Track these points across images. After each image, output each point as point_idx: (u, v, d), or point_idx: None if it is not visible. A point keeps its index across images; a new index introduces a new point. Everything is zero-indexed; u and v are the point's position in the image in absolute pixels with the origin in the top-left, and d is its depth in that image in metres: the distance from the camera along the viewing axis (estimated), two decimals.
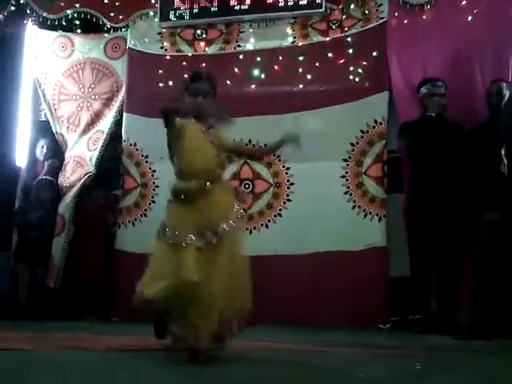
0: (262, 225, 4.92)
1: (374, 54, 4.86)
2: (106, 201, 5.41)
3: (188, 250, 2.35)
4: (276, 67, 5.12)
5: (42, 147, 5.57)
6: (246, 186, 5.01)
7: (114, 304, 4.96)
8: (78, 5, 5.56)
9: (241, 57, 5.23)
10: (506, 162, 3.48)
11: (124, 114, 5.38)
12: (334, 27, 5.09)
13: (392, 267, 4.56)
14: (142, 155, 5.29)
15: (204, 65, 5.07)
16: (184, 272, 2.29)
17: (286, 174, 4.97)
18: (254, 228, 4.88)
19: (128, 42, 5.51)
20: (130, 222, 5.21)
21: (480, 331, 3.50)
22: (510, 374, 2.30)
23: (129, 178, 5.31)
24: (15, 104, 5.71)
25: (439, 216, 3.98)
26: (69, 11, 5.59)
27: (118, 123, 5.42)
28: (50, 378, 1.94)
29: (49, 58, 5.72)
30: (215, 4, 5.29)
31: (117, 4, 5.52)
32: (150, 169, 5.25)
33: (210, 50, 5.35)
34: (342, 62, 4.96)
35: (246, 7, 5.22)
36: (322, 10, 5.05)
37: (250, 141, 4.81)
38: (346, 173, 4.80)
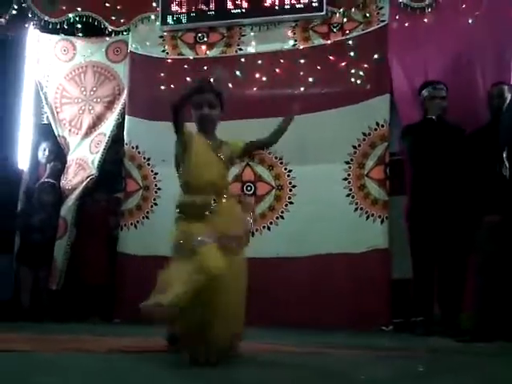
0: (263, 227, 4.92)
1: (375, 56, 4.87)
2: (108, 203, 5.41)
3: (210, 246, 2.31)
4: (277, 70, 5.13)
5: (44, 150, 5.58)
6: (248, 188, 5.02)
7: (116, 306, 4.96)
8: (79, 8, 5.59)
9: (242, 60, 5.24)
10: (507, 165, 3.47)
11: (126, 116, 5.39)
12: (335, 30, 5.10)
13: (394, 269, 4.56)
14: (144, 158, 5.30)
15: (205, 68, 5.07)
16: (209, 262, 2.24)
17: (288, 176, 4.97)
18: (256, 230, 4.86)
19: (129, 46, 5.53)
20: (132, 224, 5.21)
21: (481, 334, 3.49)
22: (511, 376, 2.30)
23: (131, 180, 5.32)
24: (17, 107, 5.73)
25: (441, 218, 3.97)
26: (70, 15, 5.61)
27: (119, 126, 5.43)
28: (51, 379, 1.95)
29: (51, 61, 5.73)
30: (212, 7, 5.32)
31: (118, 8, 5.54)
32: (151, 171, 5.25)
33: (212, 54, 5.36)
34: (343, 64, 4.97)
35: (244, 10, 5.25)
36: (323, 13, 5.08)
37: None
38: (348, 175, 4.80)
